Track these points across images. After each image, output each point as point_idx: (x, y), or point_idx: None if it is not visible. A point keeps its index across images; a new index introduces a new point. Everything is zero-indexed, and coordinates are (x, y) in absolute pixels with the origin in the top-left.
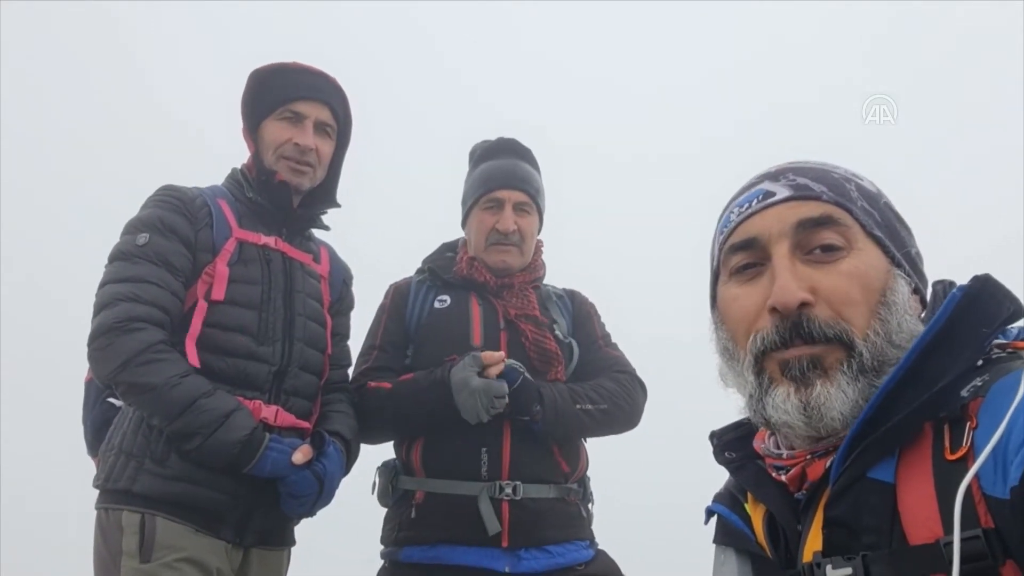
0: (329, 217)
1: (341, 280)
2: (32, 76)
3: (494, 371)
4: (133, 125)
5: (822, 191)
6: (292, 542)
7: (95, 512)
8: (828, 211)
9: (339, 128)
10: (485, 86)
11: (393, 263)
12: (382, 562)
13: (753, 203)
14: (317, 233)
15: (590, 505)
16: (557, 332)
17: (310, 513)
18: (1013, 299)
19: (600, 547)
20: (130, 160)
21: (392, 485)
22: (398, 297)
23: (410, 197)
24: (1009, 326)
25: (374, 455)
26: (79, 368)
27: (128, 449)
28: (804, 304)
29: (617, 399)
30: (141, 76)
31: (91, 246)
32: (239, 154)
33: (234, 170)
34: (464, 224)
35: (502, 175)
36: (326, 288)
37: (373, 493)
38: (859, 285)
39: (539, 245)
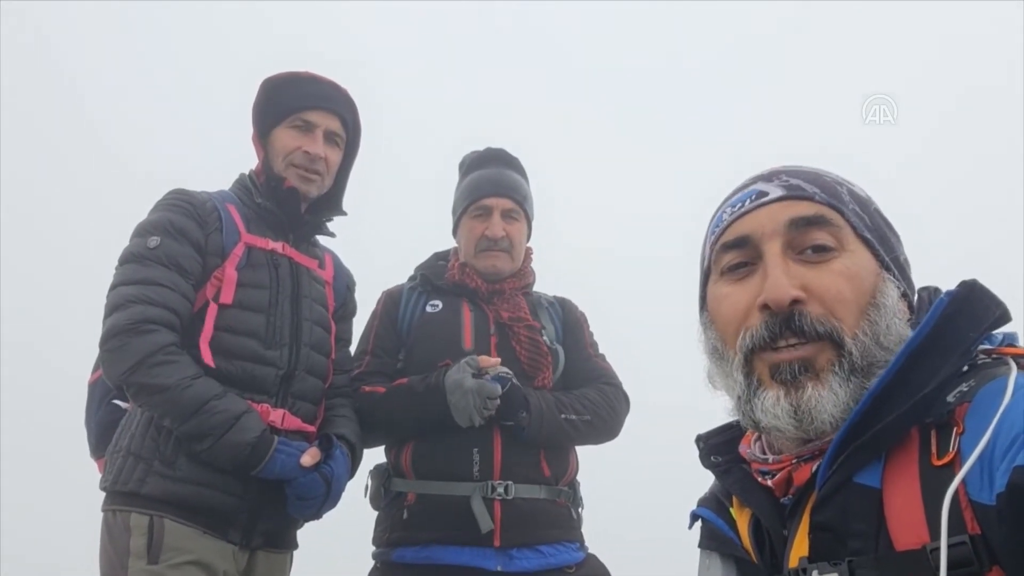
0: (334, 224)
1: (345, 286)
2: None
3: (490, 362)
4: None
5: (815, 192)
6: (295, 545)
7: (102, 514)
8: (821, 211)
9: (348, 138)
10: (478, 91)
11: (393, 272)
12: (373, 563)
13: (746, 203)
14: (321, 240)
15: (580, 509)
16: (545, 337)
17: (317, 515)
18: (999, 303)
19: (590, 551)
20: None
21: (384, 488)
22: (390, 303)
23: (410, 206)
24: (995, 331)
25: (366, 459)
26: (78, 371)
27: (136, 451)
28: (796, 301)
29: (600, 411)
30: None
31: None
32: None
33: (242, 175)
34: (455, 233)
35: (490, 184)
36: (330, 293)
37: (365, 496)
38: (850, 285)
39: (528, 252)
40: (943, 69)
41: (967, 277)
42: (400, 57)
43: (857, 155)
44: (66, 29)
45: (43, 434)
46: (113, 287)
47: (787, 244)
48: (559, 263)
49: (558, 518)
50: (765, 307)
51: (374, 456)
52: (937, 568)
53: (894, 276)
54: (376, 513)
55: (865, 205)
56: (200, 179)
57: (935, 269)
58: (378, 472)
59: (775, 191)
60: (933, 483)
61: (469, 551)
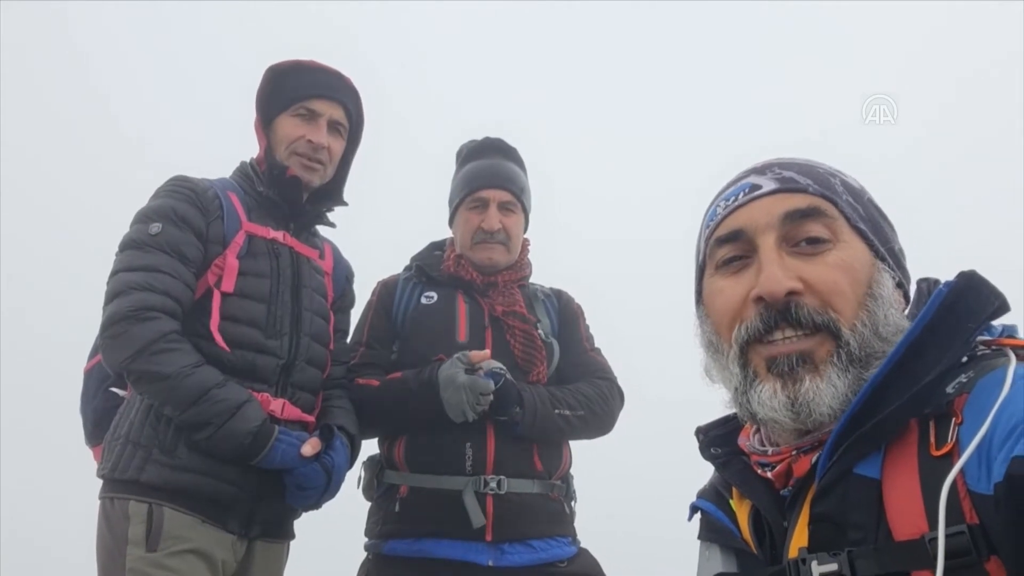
0: (333, 215)
1: (344, 277)
2: None
3: (480, 356)
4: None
5: (808, 184)
6: (292, 535)
7: (99, 502)
8: (815, 203)
9: (351, 128)
10: (474, 86)
11: (390, 263)
12: (365, 554)
13: (739, 196)
14: (321, 230)
15: (573, 503)
16: (540, 331)
17: (317, 505)
18: (998, 295)
19: (582, 545)
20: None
21: (377, 479)
22: (385, 293)
23: (409, 196)
24: (993, 323)
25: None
26: (70, 359)
27: (136, 439)
28: (792, 292)
29: (594, 406)
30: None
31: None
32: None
33: (243, 163)
34: (451, 223)
35: (487, 175)
36: (330, 284)
37: (358, 487)
38: (846, 277)
39: (525, 244)
40: (942, 58)
41: (965, 268)
42: (402, 47)
43: (857, 146)
44: (88, 17)
45: (36, 422)
46: (114, 273)
47: (781, 237)
48: (557, 252)
49: (551, 513)
50: (759, 299)
51: (367, 447)
52: (936, 558)
53: (889, 266)
54: (368, 504)
55: (858, 195)
56: (214, 168)
57: (932, 261)
58: (371, 463)
59: (768, 184)
60: (932, 474)
61: (461, 545)
